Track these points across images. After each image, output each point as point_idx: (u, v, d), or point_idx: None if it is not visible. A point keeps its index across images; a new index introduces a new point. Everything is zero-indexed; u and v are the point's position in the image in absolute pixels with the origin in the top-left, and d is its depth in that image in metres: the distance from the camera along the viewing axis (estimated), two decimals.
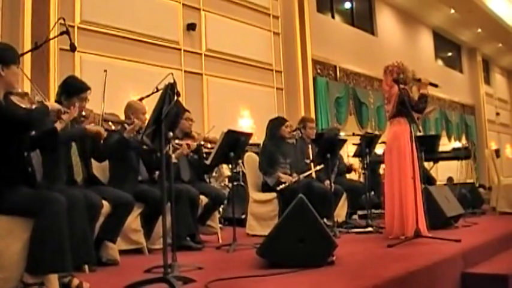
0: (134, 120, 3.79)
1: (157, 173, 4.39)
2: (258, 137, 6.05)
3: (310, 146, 6.16)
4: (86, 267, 3.16)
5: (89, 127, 3.35)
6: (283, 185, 5.40)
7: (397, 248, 3.98)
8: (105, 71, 3.52)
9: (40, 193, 2.54)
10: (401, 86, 4.67)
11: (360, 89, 12.49)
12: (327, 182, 5.59)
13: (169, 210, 3.20)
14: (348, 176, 6.84)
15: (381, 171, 8.40)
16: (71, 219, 2.55)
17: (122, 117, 4.26)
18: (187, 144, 4.62)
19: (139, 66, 8.00)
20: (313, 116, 10.32)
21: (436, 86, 4.89)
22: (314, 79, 11.00)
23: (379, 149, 8.63)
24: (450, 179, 11.92)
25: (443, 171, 12.76)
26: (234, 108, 9.43)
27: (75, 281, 2.71)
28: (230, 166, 4.92)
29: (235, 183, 7.02)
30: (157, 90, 3.82)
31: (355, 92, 12.27)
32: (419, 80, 4.80)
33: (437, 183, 9.90)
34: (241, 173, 7.33)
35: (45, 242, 2.42)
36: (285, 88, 10.63)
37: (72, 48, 3.42)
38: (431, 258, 3.38)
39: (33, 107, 2.73)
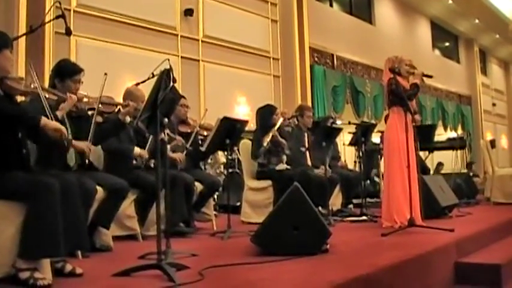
0: (129, 103, 3.75)
1: (152, 160, 4.37)
2: (255, 124, 6.03)
3: (306, 135, 6.15)
4: (79, 253, 3.15)
5: (76, 144, 3.36)
6: (266, 141, 5.39)
7: (390, 237, 3.99)
8: (106, 74, 3.49)
9: (34, 177, 2.51)
10: (391, 76, 4.68)
11: (357, 78, 12.46)
12: (322, 167, 5.59)
13: (163, 196, 3.18)
14: (340, 164, 6.84)
15: (378, 159, 8.42)
16: (64, 205, 2.53)
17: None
18: (182, 152, 4.63)
19: (135, 51, 7.94)
20: (309, 104, 10.29)
21: (430, 76, 4.91)
22: (311, 67, 10.95)
23: (376, 138, 8.67)
24: (439, 165, 11.95)
25: (438, 161, 12.82)
26: (231, 95, 9.39)
27: (68, 267, 2.70)
28: (226, 153, 4.90)
29: (230, 171, 7.10)
30: (153, 76, 3.80)
31: (352, 81, 12.24)
32: (412, 73, 4.84)
33: (431, 173, 9.98)
34: (236, 160, 7.33)
35: (38, 226, 2.40)
36: (282, 76, 10.58)
37: (68, 32, 3.39)
38: (425, 247, 3.40)
39: (29, 98, 2.71)
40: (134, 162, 4.26)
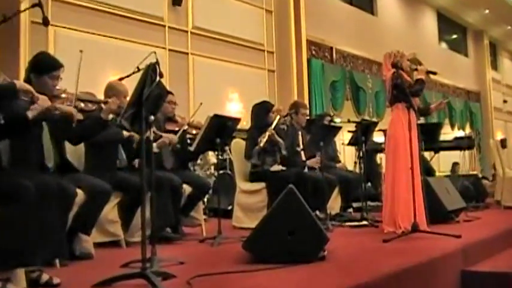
0: (111, 99, 3.73)
1: (137, 160, 4.36)
2: (247, 123, 6.04)
3: (300, 133, 6.18)
4: (57, 261, 3.13)
5: (60, 106, 3.25)
6: (262, 142, 5.40)
7: (392, 243, 4.01)
8: (81, 51, 3.45)
9: (6, 179, 2.50)
10: (394, 70, 4.72)
11: (357, 73, 12.50)
12: (317, 157, 5.65)
13: (149, 200, 3.18)
14: (338, 165, 6.87)
15: (378, 160, 8.46)
16: (41, 209, 2.52)
17: (99, 97, 4.21)
18: (169, 140, 4.60)
19: (119, 43, 7.93)
20: (306, 101, 10.32)
21: (434, 73, 4.94)
22: (308, 61, 10.98)
23: (377, 137, 8.69)
24: (455, 165, 11.77)
25: (445, 162, 12.83)
26: (222, 91, 9.40)
27: (45, 277, 2.68)
28: (216, 153, 4.91)
29: (221, 172, 7.10)
30: (139, 70, 3.80)
31: (353, 76, 12.28)
32: (416, 70, 4.89)
33: (438, 174, 9.99)
34: (228, 161, 7.35)
35: (10, 233, 2.38)
36: (277, 70, 10.60)
37: (45, 22, 3.36)
38: (429, 254, 3.40)
39: None
40: (118, 162, 4.25)
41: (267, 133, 5.43)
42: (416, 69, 4.93)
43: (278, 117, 5.62)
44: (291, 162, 5.77)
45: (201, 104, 5.26)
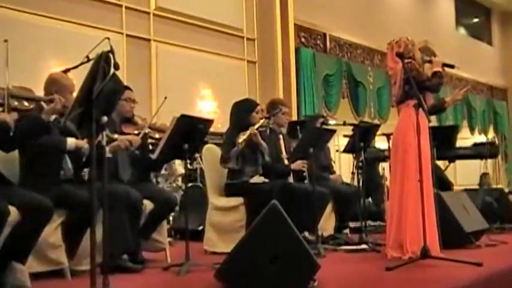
0: (54, 97, 3.72)
1: (86, 170, 4.35)
2: (223, 125, 6.08)
3: (282, 137, 6.26)
4: None
5: None
6: (241, 139, 5.44)
7: (398, 271, 4.03)
8: (6, 41, 3.43)
9: None
10: (407, 60, 4.80)
11: (356, 65, 12.57)
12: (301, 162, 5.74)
13: (100, 219, 3.17)
14: (333, 176, 6.92)
15: (381, 171, 8.51)
16: None
17: (38, 93, 4.20)
18: (128, 141, 4.58)
19: (63, 27, 7.86)
20: (294, 98, 10.39)
21: (451, 67, 5.01)
22: (297, 50, 11.04)
23: (380, 143, 8.74)
24: (484, 176, 11.47)
25: (464, 173, 12.90)
26: (192, 87, 9.42)
27: None
28: (184, 162, 4.91)
29: (190, 184, 7.09)
30: (88, 60, 3.79)
31: (350, 69, 12.35)
32: (429, 62, 4.95)
33: (455, 188, 10.01)
34: (198, 171, 7.38)
35: None
36: (259, 61, 10.64)
37: None
38: (443, 285, 3.42)
39: None
40: (62, 172, 4.23)
41: (248, 131, 5.48)
42: (429, 61, 4.99)
43: (263, 119, 5.66)
44: (275, 172, 5.79)
45: (166, 98, 5.23)
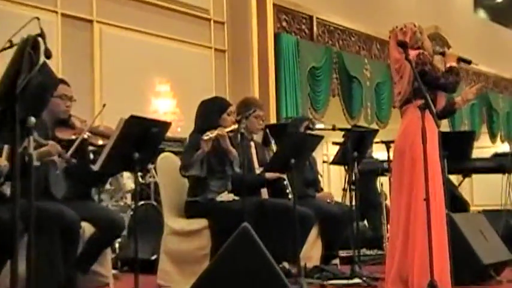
0: None
1: (7, 183, 4.28)
2: (184, 129, 6.05)
3: (254, 146, 6.28)
4: None
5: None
6: (207, 137, 5.40)
7: None
8: None
9: None
10: (421, 51, 4.83)
11: (349, 55, 12.65)
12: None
13: (25, 246, 3.12)
14: (320, 194, 6.92)
15: (379, 187, 8.53)
16: None
17: None
18: (62, 146, 4.53)
19: None
20: (273, 96, 10.41)
21: (468, 62, 5.05)
22: (276, 37, 11.08)
23: (379, 153, 8.75)
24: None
25: (483, 190, 12.90)
26: (145, 81, 9.42)
27: None
28: (134, 175, 4.86)
29: (141, 203, 7.07)
30: (11, 46, 3.73)
31: (342, 60, 12.42)
32: (442, 54, 4.96)
33: (472, 209, 9.97)
34: (152, 186, 7.36)
35: None
36: (230, 50, 10.68)
37: None
38: None
39: None
40: None
41: (216, 131, 5.43)
42: (442, 53, 5.01)
43: (236, 125, 5.61)
44: (246, 186, 5.75)
45: (105, 105, 5.14)
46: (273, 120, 10.03)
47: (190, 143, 5.67)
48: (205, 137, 5.39)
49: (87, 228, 4.69)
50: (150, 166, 6.56)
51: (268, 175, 6.00)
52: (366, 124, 11.71)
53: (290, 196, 6.09)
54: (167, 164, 5.85)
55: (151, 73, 9.48)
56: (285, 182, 6.12)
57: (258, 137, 6.60)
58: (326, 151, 7.70)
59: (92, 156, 5.04)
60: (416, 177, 4.73)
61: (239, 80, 10.56)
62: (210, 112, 5.79)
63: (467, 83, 15.29)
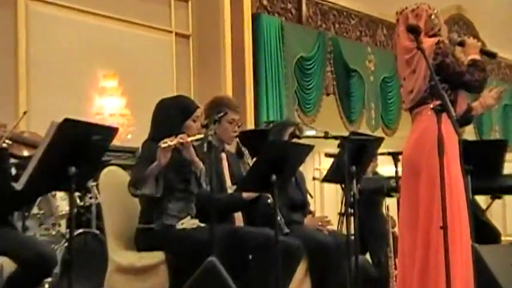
0: None
1: None
2: (135, 136, 6.05)
3: (226, 158, 6.32)
4: None
5: None
6: (166, 144, 5.39)
7: None
8: None
9: None
10: (440, 38, 4.92)
11: (348, 43, 12.73)
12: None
13: None
14: (308, 221, 6.93)
15: (385, 210, 8.55)
16: None
17: None
18: None
19: None
20: (249, 95, 10.42)
21: (493, 55, 5.10)
22: (255, 19, 11.15)
23: (384, 167, 8.79)
24: None
25: None
26: (86, 74, 9.43)
27: None
28: (70, 195, 4.85)
29: (80, 231, 7.03)
30: None
31: (339, 48, 12.48)
32: (461, 44, 4.99)
33: (504, 239, 10.00)
34: (94, 210, 7.34)
35: None
36: (195, 35, 10.71)
37: None
38: None
39: None
40: None
41: (177, 138, 5.40)
42: (461, 44, 5.04)
43: (202, 135, 5.62)
44: (216, 208, 5.75)
45: (25, 113, 5.16)
46: (250, 125, 10.07)
47: (144, 154, 5.61)
48: (163, 145, 5.34)
49: (6, 265, 4.69)
50: (91, 184, 6.54)
51: (246, 195, 6.01)
52: (368, 131, 11.77)
53: (281, 222, 6.09)
54: (113, 180, 5.83)
55: (94, 64, 9.51)
56: (269, 201, 6.08)
57: (231, 147, 6.62)
58: (318, 165, 7.70)
59: (13, 171, 5.03)
60: (437, 200, 4.69)
61: (207, 74, 10.59)
62: (170, 116, 5.74)
63: (500, 79, 15.40)
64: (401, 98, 5.29)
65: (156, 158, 5.36)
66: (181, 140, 5.42)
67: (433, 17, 5.02)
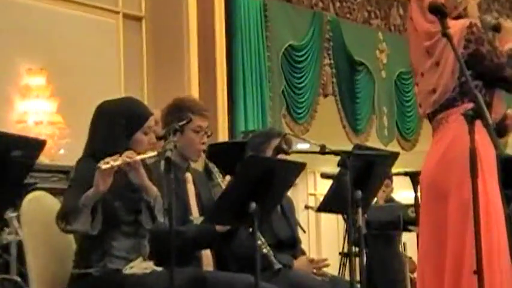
0: None
1: None
2: (71, 151, 6.05)
3: (190, 179, 6.30)
4: None
5: None
6: (108, 165, 5.37)
7: None
8: None
9: None
10: (472, 20, 4.95)
11: (352, 27, 12.76)
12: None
13: None
14: (298, 263, 6.95)
15: (401, 249, 8.60)
16: None
17: None
18: None
19: None
20: (223, 97, 10.45)
21: None
22: None
23: (402, 191, 8.84)
24: None
25: None
26: (4, 68, 9.47)
27: None
28: None
29: None
30: None
31: (341, 35, 12.55)
32: (496, 29, 5.02)
33: None
34: (14, 250, 7.33)
35: None
36: (149, 17, 10.74)
37: None
38: None
39: None
40: None
41: (122, 157, 5.37)
42: (496, 28, 5.07)
43: (155, 152, 5.62)
44: (178, 250, 5.77)
45: None
46: (222, 136, 10.08)
47: (78, 175, 5.58)
48: (103, 166, 5.29)
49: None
50: (11, 215, 6.55)
51: (220, 227, 6.03)
52: (379, 143, 11.83)
53: (270, 254, 6.10)
54: (39, 210, 5.80)
55: (14, 55, 9.54)
56: (249, 229, 6.07)
57: (198, 164, 6.62)
58: (313, 189, 7.67)
59: None
60: (470, 235, 4.69)
61: (166, 68, 10.65)
62: (113, 126, 5.69)
63: None
64: (417, 101, 5.27)
65: (90, 180, 5.32)
66: (127, 160, 5.37)
67: None
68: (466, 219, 4.73)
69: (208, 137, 6.36)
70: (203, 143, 6.30)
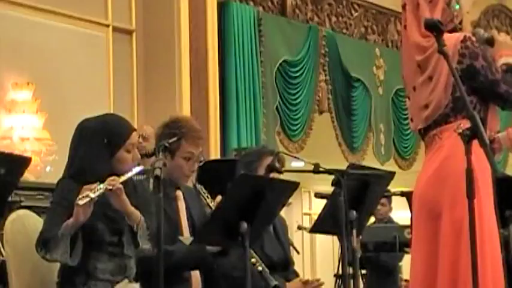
0: None
1: None
2: (57, 168, 6.02)
3: (181, 196, 6.27)
4: None
5: None
6: (87, 199, 5.33)
7: None
8: None
9: None
10: (466, 34, 4.96)
11: (349, 41, 12.75)
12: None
13: None
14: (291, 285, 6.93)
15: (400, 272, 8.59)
16: None
17: None
18: None
19: None
20: (215, 113, 10.44)
21: None
22: (222, 8, 11.25)
23: (399, 211, 8.84)
24: None
25: None
26: None
27: None
28: None
29: None
30: None
31: (337, 49, 12.52)
32: (489, 42, 5.03)
33: None
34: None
35: None
36: (141, 31, 10.74)
37: None
38: None
39: None
40: None
41: (104, 184, 5.32)
42: (489, 42, 5.08)
43: (141, 167, 5.61)
44: (166, 271, 5.76)
45: None
46: (214, 153, 10.07)
47: (58, 198, 5.55)
48: (80, 202, 5.24)
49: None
50: None
51: (211, 248, 6.01)
52: (376, 162, 11.83)
53: (265, 272, 6.09)
54: (23, 230, 5.77)
55: (0, 68, 9.50)
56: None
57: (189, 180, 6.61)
58: (307, 208, 7.65)
59: None
60: (465, 258, 4.67)
61: (157, 83, 10.65)
62: (93, 146, 5.65)
63: None
64: (410, 115, 5.25)
65: (72, 201, 5.28)
66: (109, 187, 5.35)
67: (453, 3, 5.01)
68: (459, 239, 4.75)
69: (200, 162, 6.34)
70: (193, 171, 6.28)
